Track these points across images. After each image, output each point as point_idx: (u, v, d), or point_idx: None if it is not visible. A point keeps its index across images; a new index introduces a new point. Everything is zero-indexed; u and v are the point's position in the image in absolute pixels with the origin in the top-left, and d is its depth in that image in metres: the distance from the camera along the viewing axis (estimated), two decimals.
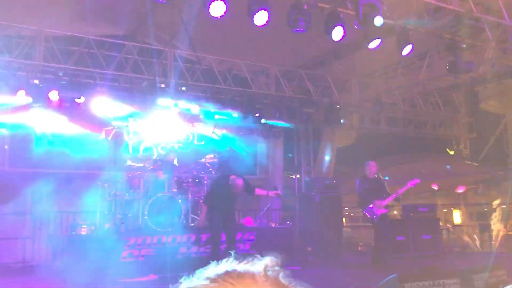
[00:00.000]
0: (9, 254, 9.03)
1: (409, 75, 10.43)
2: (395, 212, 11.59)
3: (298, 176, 11.02)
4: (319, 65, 10.55)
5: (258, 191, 7.56)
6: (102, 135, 10.82)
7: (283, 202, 10.28)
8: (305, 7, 6.71)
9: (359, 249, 11.13)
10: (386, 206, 7.67)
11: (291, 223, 9.32)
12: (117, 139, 10.90)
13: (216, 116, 10.79)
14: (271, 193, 7.71)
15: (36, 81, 8.92)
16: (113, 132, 10.96)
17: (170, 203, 8.29)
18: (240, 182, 7.11)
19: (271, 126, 10.85)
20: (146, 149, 11.19)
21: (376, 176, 7.85)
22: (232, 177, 7.19)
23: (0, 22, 8.06)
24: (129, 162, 10.87)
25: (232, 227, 7.34)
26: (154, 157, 11.04)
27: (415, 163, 14.66)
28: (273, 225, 9.46)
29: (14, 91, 8.57)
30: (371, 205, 7.58)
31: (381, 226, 7.72)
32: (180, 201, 8.35)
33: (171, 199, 8.35)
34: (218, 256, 6.98)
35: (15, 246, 9.19)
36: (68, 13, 8.41)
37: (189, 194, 8.59)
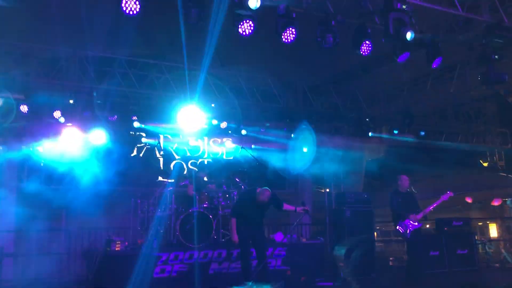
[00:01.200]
0: (45, 269, 9.27)
1: (439, 87, 10.30)
2: (427, 226, 11.35)
3: (327, 190, 10.95)
4: (347, 78, 10.54)
5: (286, 206, 7.55)
6: (134, 152, 11.10)
7: (312, 216, 10.23)
8: (333, 23, 6.76)
9: (390, 264, 10.94)
10: (420, 221, 7.53)
11: (322, 238, 9.24)
12: (149, 155, 11.17)
13: (244, 131, 10.90)
14: (299, 209, 7.69)
15: (71, 101, 9.24)
16: (145, 149, 11.25)
17: (201, 219, 8.35)
18: (267, 192, 7.13)
19: (300, 140, 10.89)
20: (177, 165, 11.40)
21: (408, 190, 7.74)
22: (259, 189, 7.22)
23: (38, 45, 8.43)
24: (160, 178, 11.11)
25: (262, 241, 7.32)
26: (185, 172, 11.23)
27: (446, 176, 14.38)
28: (304, 240, 9.40)
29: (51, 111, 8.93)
30: (405, 220, 7.47)
31: (415, 240, 7.58)
32: (210, 216, 8.41)
33: (201, 215, 8.42)
34: (248, 272, 7.05)
35: (51, 262, 9.44)
36: (102, 35, 8.68)
37: (220, 209, 8.64)
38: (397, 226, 7.56)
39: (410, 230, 7.45)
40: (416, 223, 7.48)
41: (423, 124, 12.06)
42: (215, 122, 10.20)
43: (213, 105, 9.89)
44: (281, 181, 11.84)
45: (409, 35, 6.22)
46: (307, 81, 10.23)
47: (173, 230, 8.29)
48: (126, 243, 8.09)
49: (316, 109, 10.40)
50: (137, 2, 5.96)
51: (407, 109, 10.80)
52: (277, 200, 7.44)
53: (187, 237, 8.14)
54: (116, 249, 7.77)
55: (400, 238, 8.40)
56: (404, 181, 7.76)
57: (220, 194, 8.91)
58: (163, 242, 8.21)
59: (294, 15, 6.61)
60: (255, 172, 10.31)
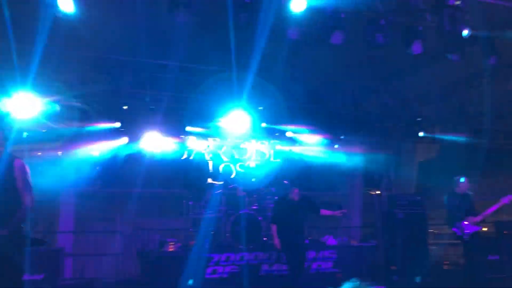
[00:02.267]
0: (101, 270, 9.64)
1: (495, 84, 9.87)
2: (485, 230, 10.88)
3: (378, 192, 10.75)
4: (397, 77, 10.31)
5: (323, 212, 7.54)
6: (184, 155, 11.35)
7: (363, 219, 10.09)
8: (383, 22, 6.65)
9: (445, 267, 10.58)
10: (478, 224, 7.25)
11: (373, 241, 9.08)
12: (198, 158, 11.38)
13: (292, 134, 10.88)
14: (337, 213, 7.65)
15: (125, 107, 9.57)
16: (194, 152, 11.47)
17: (251, 221, 8.45)
18: (295, 190, 7.16)
19: (349, 142, 10.75)
20: (225, 168, 11.55)
21: (465, 192, 7.47)
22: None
23: (90, 54, 8.78)
24: (209, 181, 11.29)
25: (301, 247, 7.33)
26: (233, 175, 11.36)
27: (504, 178, 13.69)
28: (354, 243, 9.28)
29: (105, 117, 9.29)
30: (463, 222, 7.22)
31: (472, 244, 7.30)
32: (260, 218, 8.49)
33: (251, 217, 8.52)
34: (293, 276, 7.08)
35: (106, 262, 9.80)
36: (156, 42, 8.95)
37: (269, 211, 8.68)
38: (453, 228, 7.31)
39: (467, 232, 7.19)
40: (475, 226, 7.21)
41: (478, 123, 11.57)
42: (263, 125, 10.24)
43: (260, 108, 9.95)
44: (330, 183, 11.74)
45: (465, 32, 6.03)
46: (356, 82, 10.09)
47: (224, 231, 8.44)
48: (179, 244, 8.30)
49: (366, 110, 10.23)
50: (187, 10, 6.13)
51: (461, 108, 10.42)
52: (312, 204, 7.46)
53: (237, 238, 8.26)
54: (170, 250, 7.99)
55: (455, 241, 8.10)
56: (463, 183, 7.50)
57: (268, 196, 8.98)
58: (214, 244, 8.37)
59: (342, 16, 6.56)
60: (304, 174, 10.30)
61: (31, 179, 4.34)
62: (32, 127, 9.54)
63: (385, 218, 9.28)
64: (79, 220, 10.52)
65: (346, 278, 7.92)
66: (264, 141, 11.79)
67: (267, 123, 10.35)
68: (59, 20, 6.71)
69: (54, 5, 5.94)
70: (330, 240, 8.81)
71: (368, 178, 11.82)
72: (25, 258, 4.33)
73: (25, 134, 8.99)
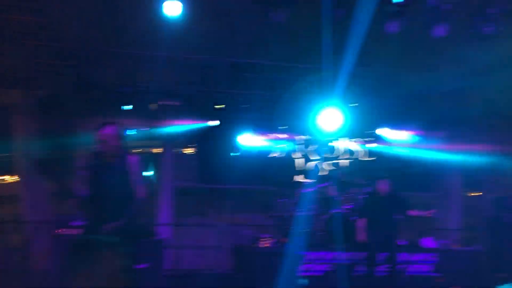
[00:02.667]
0: (195, 262, 10.04)
1: None
2: None
3: (480, 194, 10.07)
4: (503, 70, 9.56)
5: (411, 212, 7.25)
6: (274, 153, 11.49)
7: (463, 222, 9.53)
8: (491, 12, 6.23)
9: None
10: None
11: (477, 246, 8.54)
12: (287, 156, 11.45)
13: (385, 131, 10.56)
14: (425, 213, 7.33)
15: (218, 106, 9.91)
16: (284, 149, 11.56)
17: (344, 221, 8.34)
18: (383, 185, 6.90)
19: (448, 139, 10.19)
20: (314, 166, 11.49)
21: None
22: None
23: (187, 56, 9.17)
24: (298, 179, 11.31)
25: (391, 246, 7.09)
26: (323, 173, 11.27)
27: None
28: (456, 247, 8.78)
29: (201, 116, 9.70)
30: None
31: None
32: (353, 218, 8.35)
33: (344, 217, 8.41)
34: (373, 277, 6.89)
35: (201, 255, 10.20)
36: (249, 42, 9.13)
37: None
38: None
39: None
40: None
41: None
42: (356, 122, 10.03)
43: (353, 105, 9.76)
44: (426, 183, 11.22)
45: None
46: (458, 77, 9.51)
47: (316, 230, 8.42)
48: (272, 241, 8.42)
49: (468, 106, 9.62)
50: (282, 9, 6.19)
51: None
52: (400, 203, 7.21)
53: (330, 238, 8.20)
54: (265, 245, 8.14)
55: None
56: None
57: (361, 196, 8.78)
58: (306, 242, 8.37)
59: (445, 8, 6.25)
60: (399, 173, 9.94)
61: (142, 174, 4.65)
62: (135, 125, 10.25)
63: (491, 222, 8.67)
64: (176, 214, 11.07)
65: (448, 284, 7.56)
66: (355, 139, 11.57)
67: (359, 120, 10.12)
68: (162, 23, 7.12)
69: (160, 9, 6.27)
70: (428, 242, 8.42)
71: (469, 179, 11.11)
72: (137, 249, 4.66)
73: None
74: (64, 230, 7.09)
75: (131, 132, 9.38)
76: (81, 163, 4.80)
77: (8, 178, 14.18)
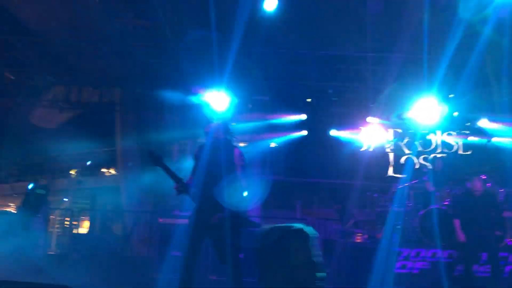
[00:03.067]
0: None
1: None
2: None
3: None
4: None
5: (506, 213, 6.72)
6: (364, 146, 11.24)
7: None
8: None
9: None
10: None
11: None
12: (379, 150, 11.14)
13: (485, 123, 9.89)
14: None
15: (309, 100, 9.89)
16: (375, 143, 11.26)
17: (443, 217, 7.96)
18: (477, 183, 6.63)
19: None
20: (408, 161, 11.08)
21: None
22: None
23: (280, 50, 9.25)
24: (391, 173, 10.97)
25: (491, 246, 6.63)
26: (416, 167, 10.84)
27: None
28: None
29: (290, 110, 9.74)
30: None
31: None
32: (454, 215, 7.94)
33: (443, 213, 8.02)
34: (470, 277, 6.48)
35: None
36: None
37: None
38: None
39: None
40: None
41: None
42: (455, 114, 9.53)
43: (451, 95, 9.27)
44: None
45: None
46: None
47: (412, 226, 8.12)
48: (366, 236, 8.26)
49: None
50: None
51: None
52: (494, 202, 6.71)
53: (428, 234, 7.87)
54: (357, 240, 8.01)
55: None
56: None
57: (462, 192, 8.31)
58: (402, 238, 8.12)
59: None
60: (498, 169, 9.30)
61: (247, 166, 4.77)
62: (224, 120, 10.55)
63: None
64: (263, 206, 11.23)
65: None
66: (451, 132, 10.98)
67: (458, 112, 9.60)
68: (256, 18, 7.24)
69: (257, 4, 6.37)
70: None
71: None
72: (241, 238, 4.79)
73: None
74: (166, 219, 7.46)
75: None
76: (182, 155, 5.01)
77: (110, 171, 15.30)
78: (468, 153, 10.81)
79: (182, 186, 4.64)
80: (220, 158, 4.67)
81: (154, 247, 8.29)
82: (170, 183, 4.72)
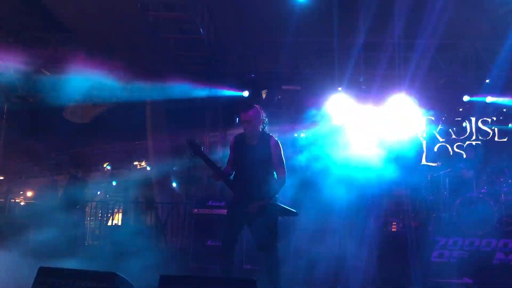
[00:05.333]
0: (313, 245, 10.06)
1: None
2: None
3: None
4: None
5: None
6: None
7: None
8: None
9: None
10: None
11: None
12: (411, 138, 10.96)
13: None
14: None
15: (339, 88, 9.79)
16: (407, 131, 11.07)
17: (480, 205, 7.82)
18: None
19: None
20: (441, 148, 10.88)
21: None
22: None
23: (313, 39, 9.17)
24: (424, 162, 10.78)
25: None
26: (451, 155, 10.63)
27: None
28: None
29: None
30: None
31: None
32: (491, 202, 7.78)
33: (480, 200, 7.87)
34: None
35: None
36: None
37: (502, 195, 7.89)
38: None
39: None
40: None
41: None
42: (490, 99, 9.27)
43: (487, 81, 9.03)
44: None
45: None
46: None
47: (449, 215, 8.00)
48: (401, 225, 8.18)
49: None
50: None
51: None
52: None
53: (465, 223, 7.75)
54: (392, 229, 7.94)
55: None
56: None
57: (501, 179, 8.14)
58: (439, 227, 8.00)
59: None
60: None
61: (284, 157, 4.77)
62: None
63: None
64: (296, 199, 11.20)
65: None
66: (486, 119, 10.71)
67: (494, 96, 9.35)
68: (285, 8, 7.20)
69: None
70: None
71: None
72: (278, 226, 4.81)
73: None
74: (201, 210, 7.54)
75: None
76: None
77: (142, 164, 15.56)
78: (505, 140, 10.53)
79: (219, 174, 4.69)
80: (256, 148, 4.70)
81: (188, 238, 8.40)
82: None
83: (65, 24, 8.78)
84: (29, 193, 15.86)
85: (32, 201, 14.35)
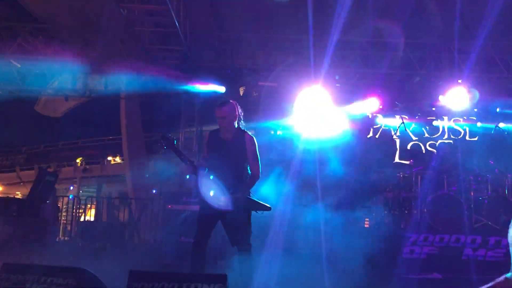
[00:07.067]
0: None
1: None
2: None
3: None
4: None
5: None
6: (370, 134, 11.19)
7: None
8: None
9: None
10: None
11: None
12: (384, 137, 11.10)
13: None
14: None
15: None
16: (380, 130, 11.22)
17: (451, 202, 7.97)
18: None
19: None
20: (414, 147, 11.05)
21: None
22: None
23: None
24: (397, 160, 10.94)
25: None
26: (423, 153, 10.80)
27: None
28: None
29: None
30: None
31: None
32: (461, 200, 7.95)
33: (451, 198, 8.03)
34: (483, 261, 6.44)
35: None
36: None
37: (471, 193, 8.07)
38: None
39: None
40: None
41: None
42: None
43: (459, 81, 9.20)
44: None
45: None
46: None
47: (420, 212, 8.13)
48: (373, 222, 8.28)
49: None
50: None
51: None
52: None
53: (436, 219, 7.89)
54: (365, 226, 8.03)
55: None
56: None
57: (471, 177, 8.32)
58: (410, 223, 8.12)
59: None
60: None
61: (258, 152, 4.75)
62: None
63: None
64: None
65: None
66: (458, 118, 10.93)
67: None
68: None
69: None
70: None
71: None
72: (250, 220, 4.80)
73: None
74: (174, 205, 7.48)
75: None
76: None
77: (116, 159, 15.37)
78: (475, 139, 10.77)
79: (192, 168, 4.64)
80: (231, 143, 4.67)
81: (162, 234, 8.32)
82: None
83: (35, 15, 8.55)
84: None
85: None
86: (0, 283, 3.10)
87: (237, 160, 4.66)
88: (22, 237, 6.63)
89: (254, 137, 4.74)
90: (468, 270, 7.39)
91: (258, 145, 4.73)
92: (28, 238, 6.76)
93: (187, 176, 10.48)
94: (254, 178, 4.69)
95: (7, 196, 11.60)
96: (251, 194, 4.75)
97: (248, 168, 4.71)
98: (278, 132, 11.59)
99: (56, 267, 3.30)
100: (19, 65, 9.35)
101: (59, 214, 10.54)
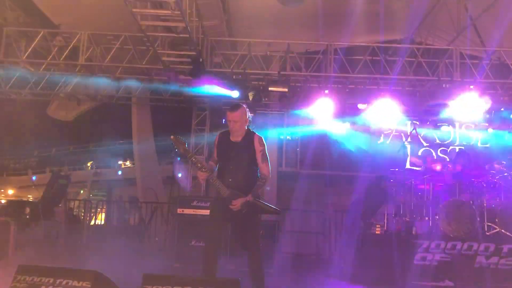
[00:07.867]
0: (305, 247, 10.11)
1: None
2: None
3: None
4: None
5: None
6: (381, 139, 11.17)
7: None
8: None
9: None
10: None
11: None
12: (396, 142, 11.07)
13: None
14: None
15: (326, 91, 9.80)
16: (391, 135, 11.20)
17: (463, 209, 7.89)
18: None
19: None
20: (425, 153, 11.00)
21: None
22: None
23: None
24: (408, 166, 10.89)
25: None
26: (435, 159, 10.75)
27: None
28: None
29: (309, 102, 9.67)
30: None
31: None
32: (474, 207, 7.87)
33: (463, 205, 7.95)
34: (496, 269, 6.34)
35: (310, 240, 10.26)
36: (351, 26, 8.97)
37: (484, 200, 7.98)
38: None
39: None
40: None
41: None
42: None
43: (471, 86, 9.12)
44: None
45: None
46: None
47: (432, 218, 8.07)
48: (385, 228, 8.23)
49: None
50: None
51: None
52: None
53: (448, 226, 7.80)
54: (376, 232, 7.98)
55: None
56: None
57: (484, 184, 8.23)
58: (422, 230, 8.05)
59: None
60: None
61: (267, 152, 4.76)
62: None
63: None
64: (281, 198, 11.23)
65: None
66: (469, 124, 10.87)
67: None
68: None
69: None
70: None
71: None
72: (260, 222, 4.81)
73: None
74: (185, 210, 7.50)
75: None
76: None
77: (126, 163, 15.46)
78: (487, 145, 10.69)
79: (205, 169, 4.64)
80: (241, 144, 4.69)
81: (172, 238, 8.35)
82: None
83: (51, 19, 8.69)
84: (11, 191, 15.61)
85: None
86: (16, 285, 3.13)
87: (247, 161, 4.67)
88: (36, 239, 6.69)
89: (262, 138, 4.76)
90: (480, 278, 7.31)
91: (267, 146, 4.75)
92: (42, 241, 6.81)
93: (179, 175, 10.56)
94: (264, 179, 4.70)
95: (21, 199, 11.71)
96: (260, 197, 4.75)
97: (258, 169, 4.72)
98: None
99: (71, 269, 3.32)
100: (32, 69, 9.46)
101: (72, 217, 10.61)
